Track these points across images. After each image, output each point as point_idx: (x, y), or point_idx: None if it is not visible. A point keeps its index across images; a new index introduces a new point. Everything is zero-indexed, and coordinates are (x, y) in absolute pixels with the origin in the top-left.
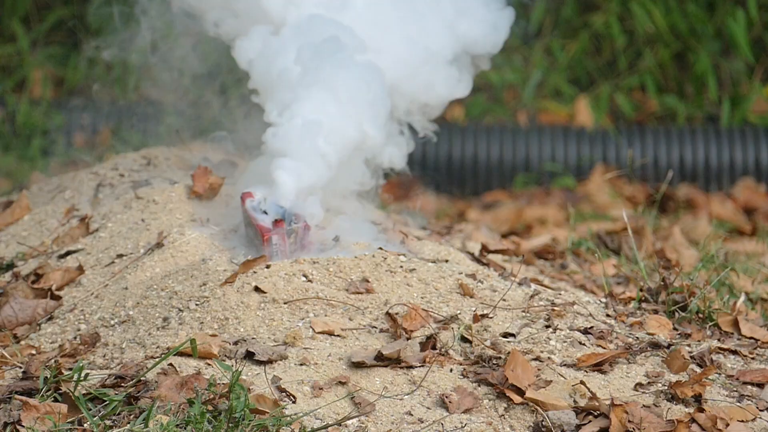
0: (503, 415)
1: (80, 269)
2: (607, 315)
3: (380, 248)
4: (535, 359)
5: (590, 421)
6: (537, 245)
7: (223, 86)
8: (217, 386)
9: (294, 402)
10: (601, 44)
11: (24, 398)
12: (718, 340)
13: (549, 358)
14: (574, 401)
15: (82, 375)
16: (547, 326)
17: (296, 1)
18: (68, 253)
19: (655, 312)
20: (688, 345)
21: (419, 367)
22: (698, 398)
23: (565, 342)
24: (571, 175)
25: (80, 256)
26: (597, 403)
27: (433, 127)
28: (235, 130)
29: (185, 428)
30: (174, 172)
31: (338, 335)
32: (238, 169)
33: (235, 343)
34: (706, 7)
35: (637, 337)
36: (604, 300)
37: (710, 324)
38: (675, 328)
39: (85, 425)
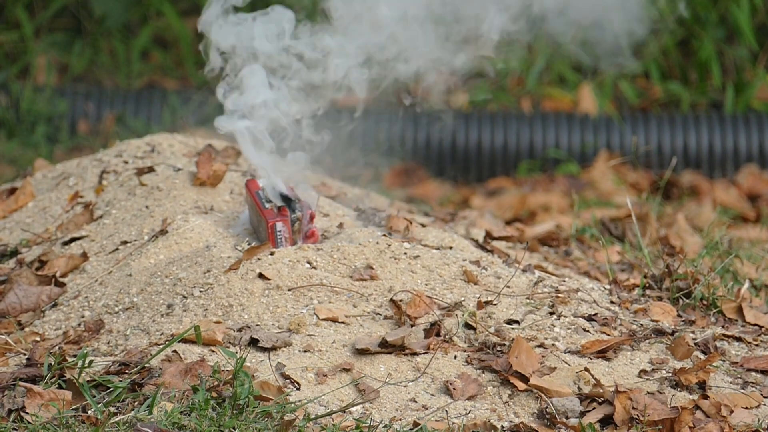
0: (507, 401)
1: (84, 256)
2: (612, 302)
3: (384, 235)
4: (539, 346)
5: (594, 408)
6: (541, 232)
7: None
8: (222, 373)
9: (298, 389)
10: None
11: (28, 385)
12: (722, 326)
13: (553, 344)
14: (579, 388)
15: (87, 362)
16: (551, 313)
17: None
18: (72, 240)
19: (659, 299)
20: (692, 332)
21: (423, 353)
22: (702, 385)
23: (569, 329)
24: (575, 162)
25: (84, 242)
26: (601, 390)
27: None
28: None
29: (189, 415)
30: (178, 159)
31: (342, 322)
32: (242, 156)
33: (240, 330)
34: None
35: (641, 324)
36: (608, 287)
37: (714, 311)
38: (679, 315)
39: (90, 412)
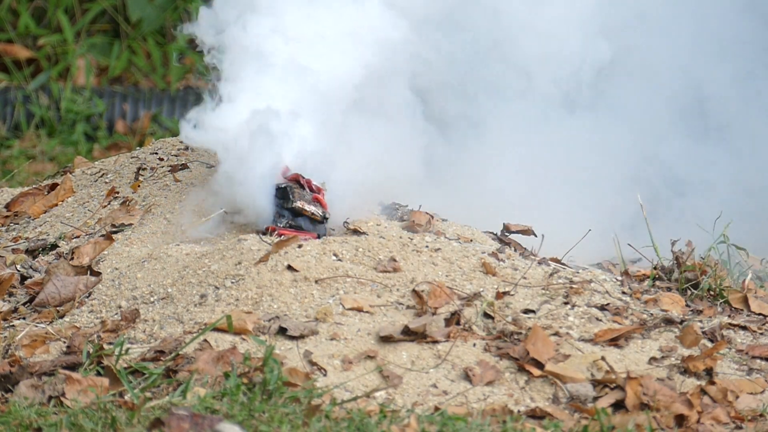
0: (524, 387)
1: (110, 238)
2: (623, 292)
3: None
4: (554, 334)
5: (607, 393)
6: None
7: None
8: (252, 360)
9: (325, 375)
10: None
11: (68, 372)
12: (729, 316)
13: (567, 333)
14: (592, 374)
15: (124, 349)
16: (566, 303)
17: None
18: (111, 233)
19: (669, 289)
20: (700, 321)
21: (444, 341)
22: (709, 372)
23: (582, 318)
24: None
25: (120, 236)
26: (613, 376)
27: None
28: None
29: (222, 400)
30: (211, 156)
31: (367, 311)
32: None
33: (269, 320)
34: None
35: (651, 314)
36: (619, 278)
37: (721, 301)
38: (687, 305)
39: (126, 397)
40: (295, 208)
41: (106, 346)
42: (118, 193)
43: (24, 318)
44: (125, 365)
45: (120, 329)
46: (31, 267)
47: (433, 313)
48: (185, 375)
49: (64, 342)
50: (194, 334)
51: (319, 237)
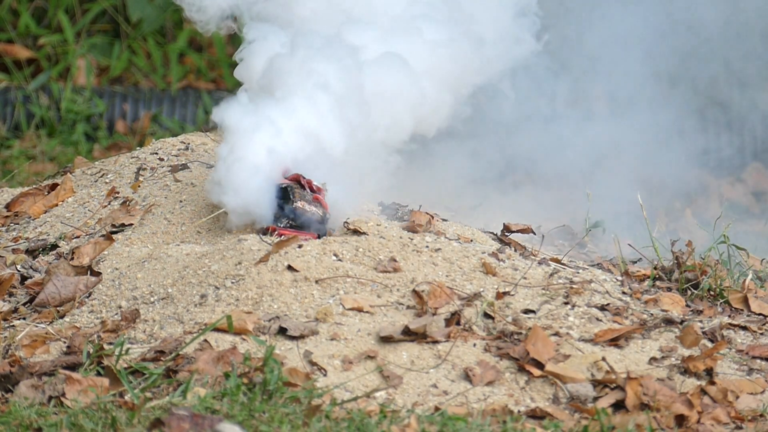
0: (524, 387)
1: (110, 238)
2: (623, 292)
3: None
4: (555, 334)
5: (607, 394)
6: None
7: None
8: (252, 360)
9: (325, 375)
10: None
11: (68, 372)
12: (729, 316)
13: (567, 333)
14: (592, 374)
15: (124, 349)
16: (566, 303)
17: None
18: (112, 233)
19: (669, 289)
20: (700, 321)
21: (444, 341)
22: (710, 372)
23: (583, 318)
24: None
25: (121, 235)
26: (613, 377)
27: None
28: None
29: (222, 400)
30: (211, 156)
31: (367, 312)
32: None
33: (269, 320)
34: None
35: (652, 314)
36: (620, 278)
37: (721, 301)
38: (687, 305)
39: (126, 397)
40: (295, 208)
41: (106, 346)
42: (118, 193)
43: (24, 318)
44: (125, 365)
45: (120, 329)
46: (31, 267)
47: (434, 314)
48: (185, 375)
49: (64, 342)
50: (194, 334)
51: (319, 237)
